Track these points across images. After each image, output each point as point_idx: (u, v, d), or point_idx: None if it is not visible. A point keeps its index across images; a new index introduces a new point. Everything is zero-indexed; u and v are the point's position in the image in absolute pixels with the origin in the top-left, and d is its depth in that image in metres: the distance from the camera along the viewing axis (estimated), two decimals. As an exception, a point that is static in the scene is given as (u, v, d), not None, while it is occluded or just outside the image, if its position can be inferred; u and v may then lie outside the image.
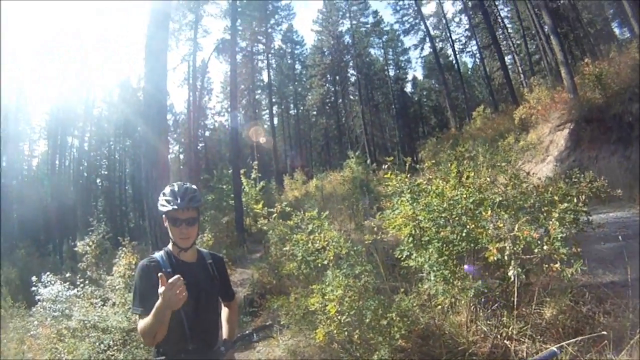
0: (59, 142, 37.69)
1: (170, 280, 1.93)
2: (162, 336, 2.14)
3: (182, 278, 1.97)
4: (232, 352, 2.44)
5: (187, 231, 2.32)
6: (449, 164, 5.61)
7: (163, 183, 7.88)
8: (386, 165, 5.13)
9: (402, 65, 40.94)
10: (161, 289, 1.93)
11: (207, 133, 41.60)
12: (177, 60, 33.09)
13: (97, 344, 6.69)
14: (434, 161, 6.58)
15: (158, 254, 2.39)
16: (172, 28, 26.66)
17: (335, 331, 3.90)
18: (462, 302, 4.39)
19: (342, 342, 4.16)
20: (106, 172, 41.80)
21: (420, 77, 43.28)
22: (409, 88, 43.02)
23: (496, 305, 4.35)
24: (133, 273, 9.34)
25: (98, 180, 41.45)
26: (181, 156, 40.74)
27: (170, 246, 2.43)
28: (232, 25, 22.49)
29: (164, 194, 2.33)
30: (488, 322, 4.23)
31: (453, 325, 4.38)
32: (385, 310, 3.98)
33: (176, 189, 2.34)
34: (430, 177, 5.34)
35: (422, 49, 37.74)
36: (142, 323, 2.13)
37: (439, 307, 4.43)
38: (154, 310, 2.01)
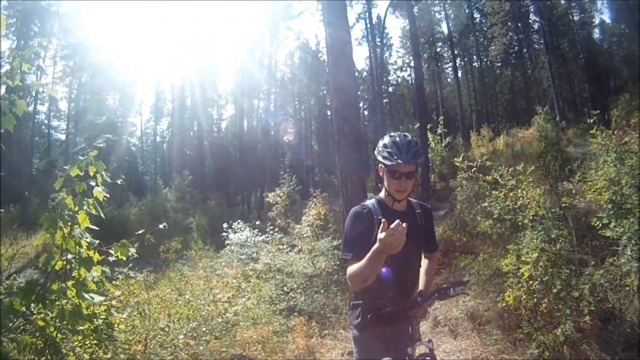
0: (245, 105, 41.17)
1: (392, 226, 1.86)
2: (372, 281, 2.09)
3: (402, 224, 1.86)
4: (427, 304, 2.35)
5: (406, 184, 2.24)
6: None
7: (354, 138, 8.43)
8: (592, 120, 4.69)
9: (587, 7, 35.15)
10: (381, 235, 1.88)
11: (390, 89, 41.76)
12: (352, 19, 33.78)
13: (281, 285, 7.43)
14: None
15: (369, 202, 2.39)
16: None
17: (524, 296, 3.78)
18: (652, 287, 3.95)
19: (527, 310, 4.02)
20: (292, 130, 44.72)
21: (608, 20, 36.59)
22: (596, 34, 36.63)
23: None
24: (321, 223, 10.18)
25: (285, 137, 44.73)
26: (365, 112, 41.20)
27: (382, 194, 2.40)
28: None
29: (384, 145, 2.25)
30: (674, 315, 3.77)
31: (636, 313, 3.99)
32: (577, 281, 3.74)
33: (398, 140, 2.24)
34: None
35: (608, -14, 31.66)
36: (354, 268, 2.13)
37: (627, 287, 4.02)
38: (369, 254, 1.98)
